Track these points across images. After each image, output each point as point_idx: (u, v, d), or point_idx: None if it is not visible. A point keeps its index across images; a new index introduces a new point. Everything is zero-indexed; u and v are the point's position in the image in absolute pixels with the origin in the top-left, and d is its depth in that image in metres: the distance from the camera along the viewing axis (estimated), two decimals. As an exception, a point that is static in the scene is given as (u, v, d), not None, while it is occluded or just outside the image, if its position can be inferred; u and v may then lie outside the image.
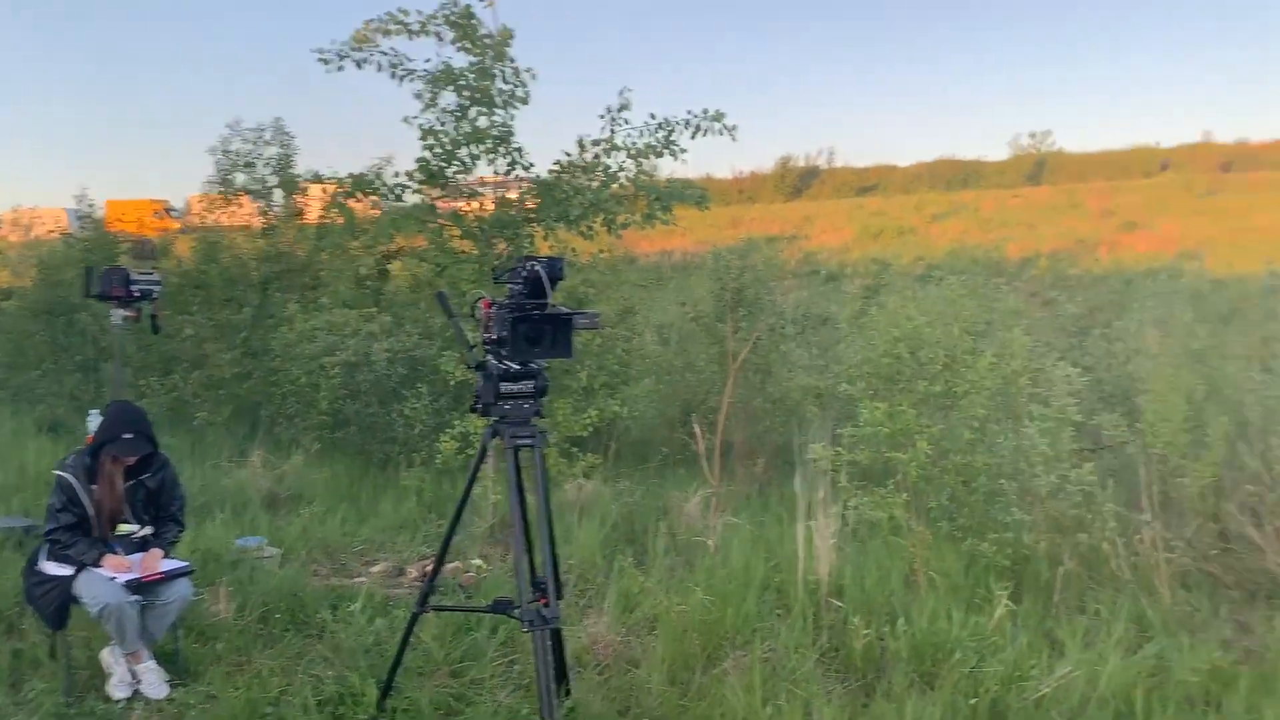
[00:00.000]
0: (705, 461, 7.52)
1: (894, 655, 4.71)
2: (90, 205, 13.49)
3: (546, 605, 3.73)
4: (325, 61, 8.01)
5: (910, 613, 5.08)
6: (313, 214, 12.00)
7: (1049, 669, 4.48)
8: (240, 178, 11.92)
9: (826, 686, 4.51)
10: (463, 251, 7.98)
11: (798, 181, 64.94)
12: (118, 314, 5.46)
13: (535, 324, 3.74)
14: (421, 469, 8.10)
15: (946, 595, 5.42)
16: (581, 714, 4.14)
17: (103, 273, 5.53)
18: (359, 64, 7.98)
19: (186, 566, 4.74)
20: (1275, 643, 4.78)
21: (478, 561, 6.30)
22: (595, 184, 7.83)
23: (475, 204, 8.04)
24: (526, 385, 3.85)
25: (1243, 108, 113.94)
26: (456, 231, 8.00)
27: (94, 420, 5.31)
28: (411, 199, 8.06)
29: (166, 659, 4.66)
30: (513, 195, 8.02)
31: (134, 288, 5.40)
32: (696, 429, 7.45)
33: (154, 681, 4.50)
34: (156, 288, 5.41)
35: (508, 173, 7.82)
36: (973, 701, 4.19)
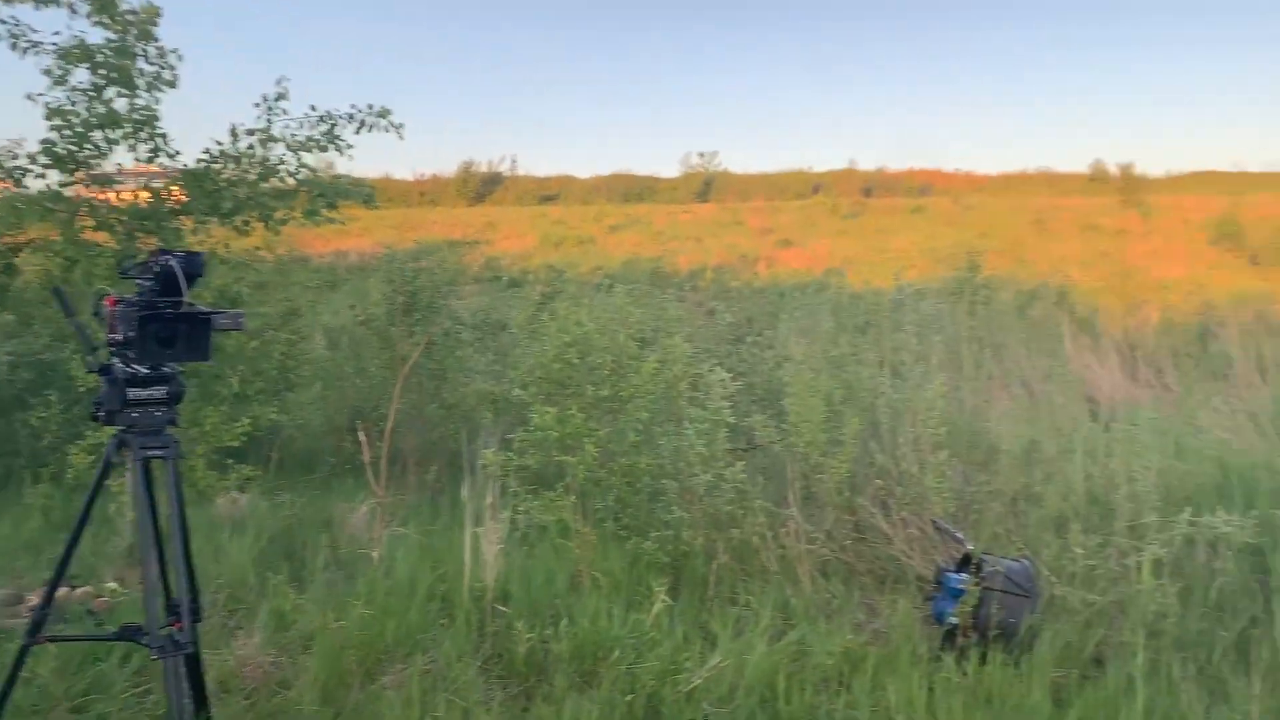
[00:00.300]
0: (371, 470, 7.26)
1: (556, 657, 4.75)
2: None
3: (180, 629, 3.44)
4: (-76, 26, 7.01)
5: (574, 614, 5.14)
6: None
7: (701, 660, 4.68)
8: None
9: (488, 693, 4.47)
10: (98, 245, 7.24)
11: (480, 187, 64.80)
12: None
13: (168, 324, 3.44)
14: (50, 485, 7.28)
15: (610, 594, 5.54)
16: (222, 743, 3.85)
17: None
18: (-32, 32, 7.04)
19: None
20: (898, 624, 5.25)
21: (112, 585, 5.72)
22: (251, 176, 7.37)
23: (116, 194, 7.32)
24: (158, 391, 3.54)
25: (882, 139, 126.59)
26: (91, 222, 7.25)
27: None
28: (38, 185, 7.23)
29: None
30: (157, 184, 7.38)
31: None
32: (362, 436, 7.18)
33: None
34: None
35: (150, 160, 7.18)
36: (629, 698, 4.30)
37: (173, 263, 3.47)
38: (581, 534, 6.03)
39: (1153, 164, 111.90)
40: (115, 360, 3.55)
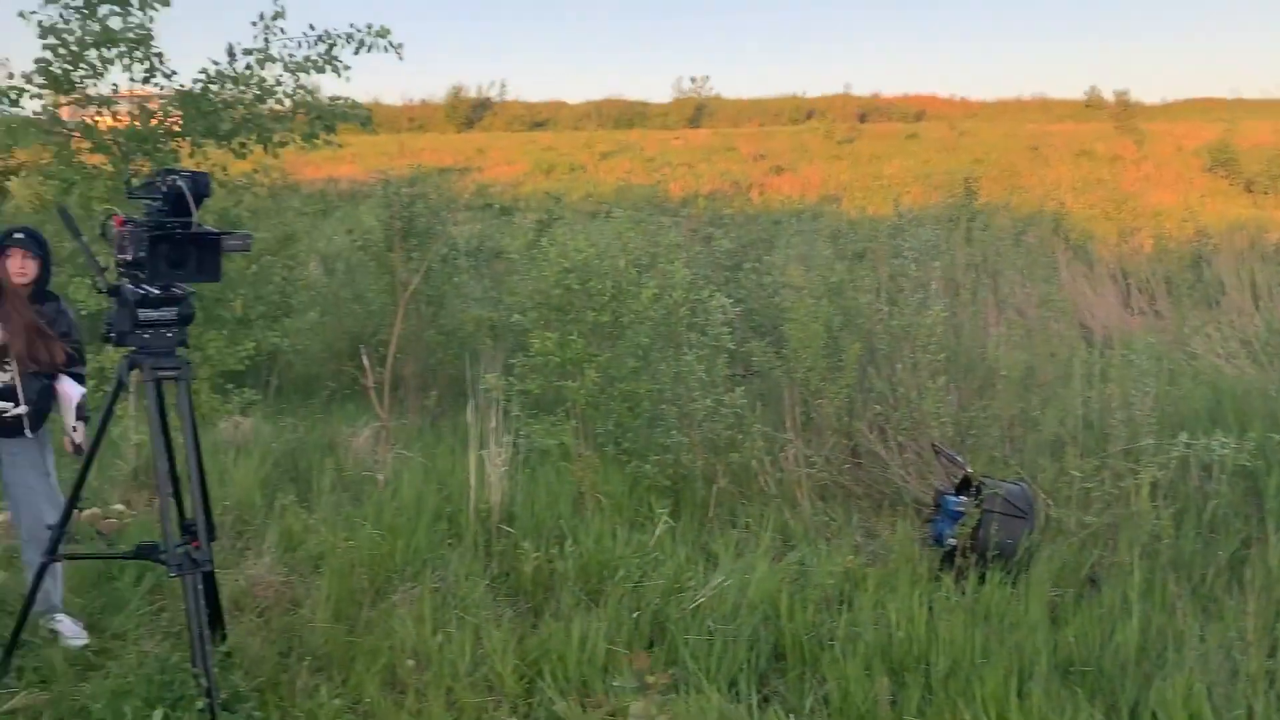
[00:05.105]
0: (375, 394, 7.29)
1: (562, 576, 4.83)
2: None
3: (197, 548, 3.50)
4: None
5: (578, 534, 5.22)
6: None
7: (704, 580, 4.77)
8: None
9: (497, 611, 4.55)
10: (95, 167, 7.13)
11: (470, 113, 63.82)
12: None
13: (178, 244, 3.43)
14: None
15: (612, 516, 5.62)
16: (239, 658, 3.92)
17: None
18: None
19: None
20: (897, 545, 5.34)
21: (119, 506, 5.79)
22: (248, 97, 7.24)
23: (113, 115, 7.18)
24: (169, 312, 3.54)
25: (877, 64, 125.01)
26: (87, 144, 7.12)
27: None
28: (33, 106, 7.08)
29: None
30: (153, 106, 7.24)
31: None
32: (365, 361, 7.19)
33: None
34: None
35: (146, 80, 7.04)
36: (635, 614, 4.39)
37: (180, 182, 3.45)
38: (583, 457, 6.10)
39: (1148, 91, 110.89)
40: (125, 281, 3.55)
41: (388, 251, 9.07)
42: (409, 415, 8.30)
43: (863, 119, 49.36)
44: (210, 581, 3.76)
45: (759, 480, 6.31)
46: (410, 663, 3.98)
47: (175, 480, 3.72)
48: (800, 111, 58.78)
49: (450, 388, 8.93)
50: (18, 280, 4.05)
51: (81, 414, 4.16)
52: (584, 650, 4.08)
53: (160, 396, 3.56)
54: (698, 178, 31.74)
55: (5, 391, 4.03)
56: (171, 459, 3.68)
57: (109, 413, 3.69)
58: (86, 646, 4.12)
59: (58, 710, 3.63)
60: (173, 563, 3.40)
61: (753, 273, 9.38)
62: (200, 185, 3.50)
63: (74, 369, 4.24)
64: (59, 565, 4.07)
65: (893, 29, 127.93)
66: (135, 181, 6.33)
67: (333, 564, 4.75)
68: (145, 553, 3.62)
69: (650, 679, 3.44)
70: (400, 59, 7.62)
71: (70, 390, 4.13)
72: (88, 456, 3.73)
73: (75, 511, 3.96)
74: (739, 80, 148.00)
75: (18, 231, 4.12)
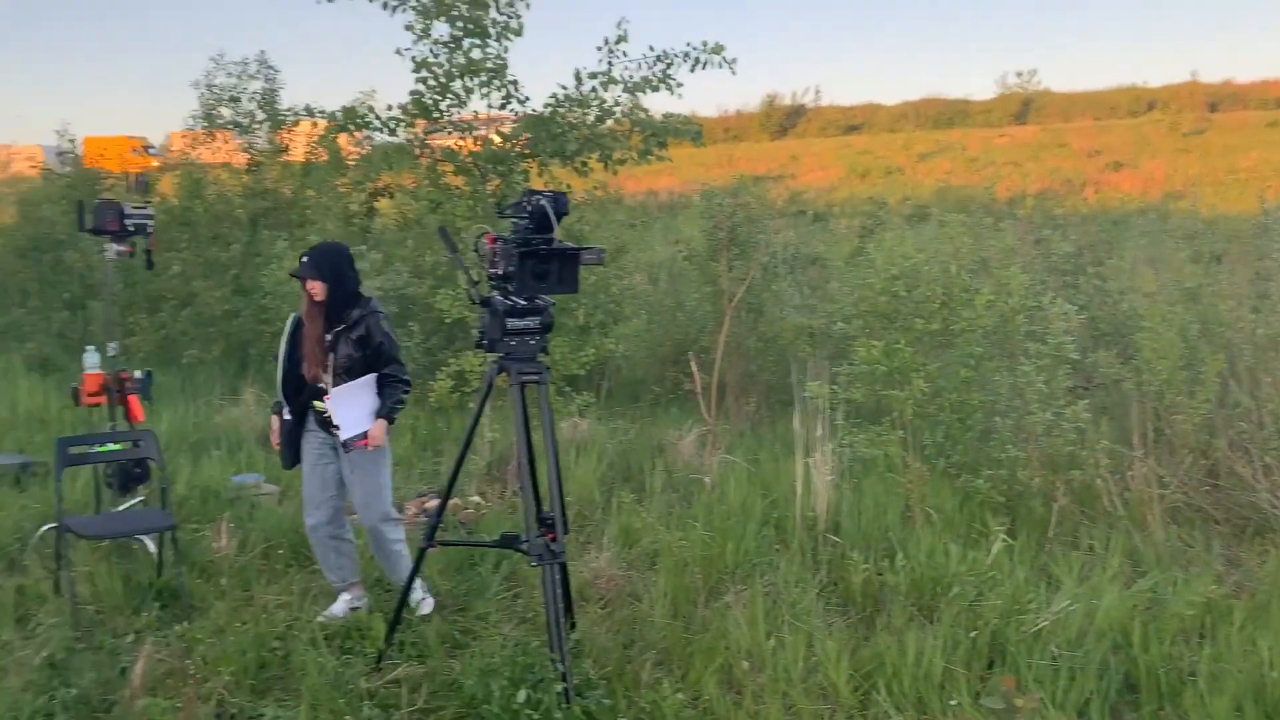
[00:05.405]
0: (702, 399, 7.51)
1: (893, 589, 4.76)
2: (70, 141, 13.30)
3: (554, 540, 3.77)
4: (316, -10, 7.79)
5: (908, 548, 5.14)
6: (297, 150, 11.85)
7: (1046, 602, 4.54)
8: (226, 112, 11.74)
9: (828, 619, 4.56)
10: (456, 188, 7.84)
11: (784, 120, 63.98)
12: (111, 249, 5.35)
13: (542, 259, 3.72)
14: (415, 408, 8.07)
15: (943, 531, 5.48)
16: (587, 646, 4.18)
17: (96, 206, 5.41)
18: (349, -7, 7.74)
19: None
20: (1268, 576, 4.85)
21: (476, 498, 6.32)
22: (590, 118, 7.68)
23: (467, 139, 7.87)
24: (532, 321, 3.85)
25: (1229, 47, 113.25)
26: (449, 167, 7.85)
27: (91, 357, 5.26)
28: (404, 134, 7.89)
29: (170, 595, 4.69)
30: (505, 130, 7.86)
31: (128, 222, 5.30)
32: (694, 367, 7.43)
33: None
34: (150, 222, 5.32)
35: (503, 106, 7.65)
36: (972, 634, 4.25)
37: (544, 202, 3.74)
38: (910, 469, 5.98)
39: None
40: (495, 293, 3.88)
41: (711, 261, 9.30)
42: (730, 420, 8.48)
43: (1213, 109, 44.92)
44: (564, 572, 4.04)
45: (1104, 500, 5.92)
46: (745, 664, 4.07)
47: (534, 476, 4.02)
48: (1140, 103, 54.36)
49: (769, 394, 9.04)
50: (314, 300, 4.48)
51: (384, 412, 4.51)
52: (919, 666, 4.01)
53: (523, 399, 3.87)
54: (1024, 176, 30.14)
55: (323, 394, 4.50)
56: (531, 457, 3.99)
57: (480, 412, 4.05)
58: (434, 617, 4.54)
59: (433, 683, 4.02)
60: (534, 553, 3.69)
61: (1095, 277, 8.79)
62: (560, 204, 3.78)
63: (388, 369, 4.60)
64: (404, 545, 4.64)
65: (1246, 7, 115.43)
66: (495, 199, 6.90)
67: (668, 562, 4.95)
68: (508, 542, 3.94)
69: (1019, 702, 3.32)
70: (733, 74, 7.79)
71: (334, 391, 4.43)
72: (461, 452, 4.11)
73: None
74: (1069, 72, 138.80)
75: (303, 256, 4.52)
